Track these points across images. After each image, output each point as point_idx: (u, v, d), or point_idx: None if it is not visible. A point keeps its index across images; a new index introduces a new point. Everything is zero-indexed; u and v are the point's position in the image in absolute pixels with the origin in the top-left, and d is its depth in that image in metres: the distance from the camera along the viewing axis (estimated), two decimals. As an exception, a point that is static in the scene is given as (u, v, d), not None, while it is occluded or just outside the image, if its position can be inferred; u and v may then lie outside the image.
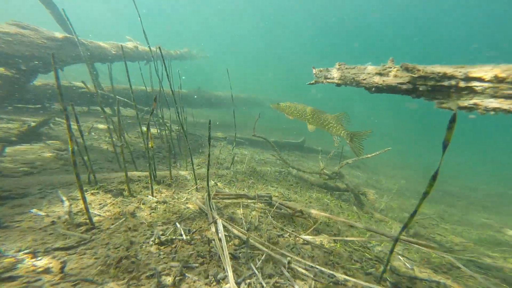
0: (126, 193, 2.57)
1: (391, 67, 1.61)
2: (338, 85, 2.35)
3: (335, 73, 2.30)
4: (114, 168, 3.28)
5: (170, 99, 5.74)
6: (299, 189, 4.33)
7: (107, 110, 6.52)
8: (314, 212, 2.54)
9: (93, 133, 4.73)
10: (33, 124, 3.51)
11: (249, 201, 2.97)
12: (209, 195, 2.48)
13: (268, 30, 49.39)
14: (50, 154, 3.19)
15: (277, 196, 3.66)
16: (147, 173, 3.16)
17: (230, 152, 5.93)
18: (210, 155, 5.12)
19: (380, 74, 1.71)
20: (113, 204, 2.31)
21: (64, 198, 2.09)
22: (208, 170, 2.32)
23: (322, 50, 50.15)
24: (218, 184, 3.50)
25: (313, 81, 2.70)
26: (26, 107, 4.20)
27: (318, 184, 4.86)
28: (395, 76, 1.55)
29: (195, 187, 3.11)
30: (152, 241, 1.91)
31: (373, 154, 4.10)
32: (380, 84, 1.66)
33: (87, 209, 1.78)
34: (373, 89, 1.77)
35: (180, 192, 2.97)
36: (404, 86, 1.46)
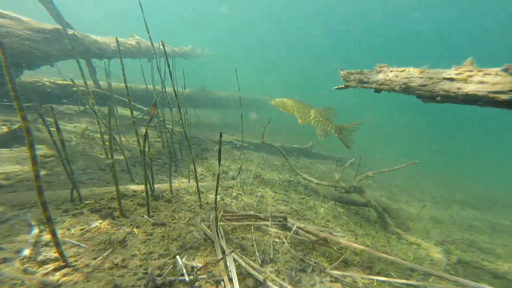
0: (117, 213, 2.14)
1: (472, 71, 1.19)
2: (377, 91, 1.93)
3: (375, 77, 1.87)
4: (106, 179, 2.86)
5: (171, 98, 5.31)
6: (312, 203, 3.91)
7: (105, 110, 6.11)
8: (343, 242, 2.11)
9: (90, 133, 4.31)
10: (16, 125, 3.09)
11: (260, 222, 2.54)
12: (217, 218, 2.06)
13: (270, 28, 48.67)
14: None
15: (290, 213, 3.23)
16: (143, 187, 2.74)
17: (235, 159, 5.51)
18: (213, 162, 4.69)
19: (451, 80, 1.29)
20: (99, 229, 1.88)
21: (33, 223, 1.66)
22: (216, 191, 1.90)
23: (333, 51, 48.70)
24: (224, 199, 3.08)
25: (342, 85, 2.27)
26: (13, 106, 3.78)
27: (332, 196, 4.43)
28: (481, 82, 1.13)
29: (199, 203, 2.69)
30: (144, 285, 1.48)
31: (397, 168, 3.68)
32: (453, 92, 1.24)
33: (57, 244, 1.36)
34: (438, 98, 1.35)
35: (182, 209, 2.55)
36: (504, 96, 1.05)
